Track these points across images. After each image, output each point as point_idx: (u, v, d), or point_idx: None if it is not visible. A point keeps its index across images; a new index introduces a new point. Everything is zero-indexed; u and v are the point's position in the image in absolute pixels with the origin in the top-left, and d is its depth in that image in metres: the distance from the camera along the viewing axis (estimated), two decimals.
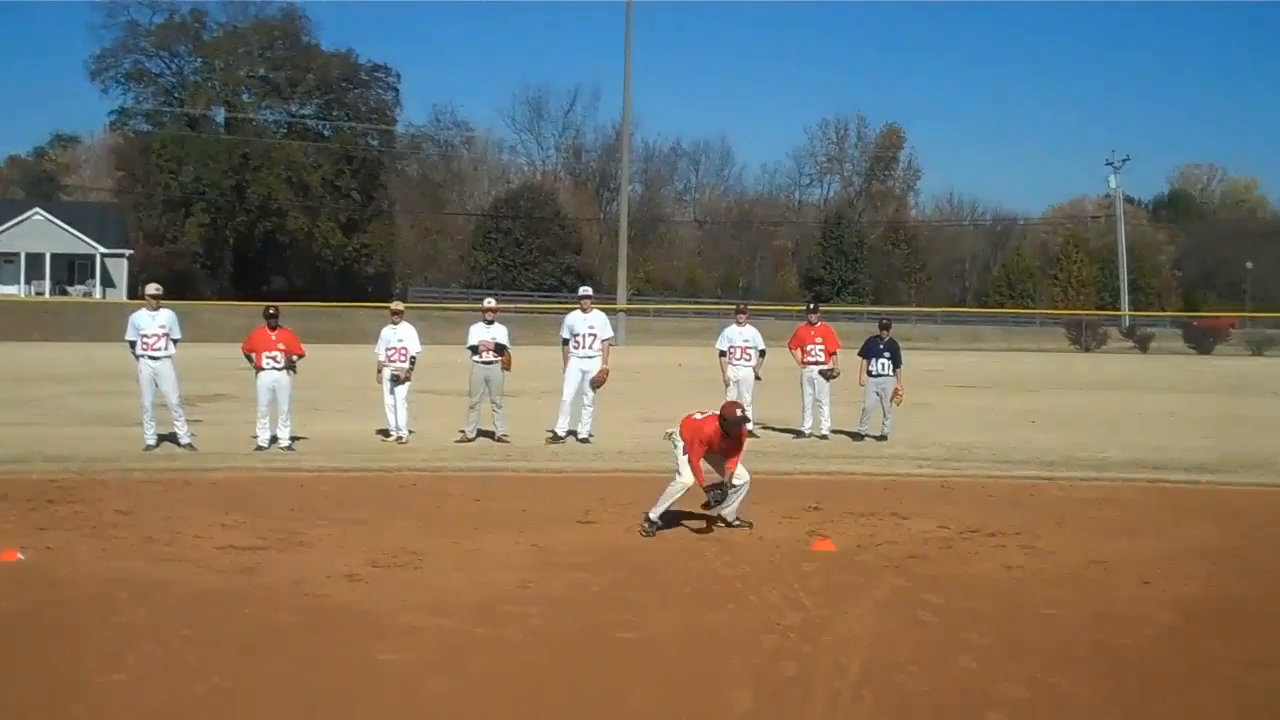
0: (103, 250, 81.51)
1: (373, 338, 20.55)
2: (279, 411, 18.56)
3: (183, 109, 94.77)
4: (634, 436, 20.27)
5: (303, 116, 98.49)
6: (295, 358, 18.78)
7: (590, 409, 19.85)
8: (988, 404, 29.17)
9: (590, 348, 19.87)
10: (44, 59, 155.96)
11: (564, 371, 20.00)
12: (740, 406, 13.05)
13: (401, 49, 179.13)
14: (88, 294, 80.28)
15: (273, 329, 18.74)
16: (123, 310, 20.23)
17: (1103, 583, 10.63)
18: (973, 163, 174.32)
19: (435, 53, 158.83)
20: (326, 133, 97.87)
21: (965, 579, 10.66)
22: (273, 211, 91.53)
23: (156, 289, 18.84)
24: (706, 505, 12.69)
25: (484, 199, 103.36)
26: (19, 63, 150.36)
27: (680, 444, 12.56)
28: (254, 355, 18.69)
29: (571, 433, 19.84)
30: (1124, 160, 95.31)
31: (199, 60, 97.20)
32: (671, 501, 12.55)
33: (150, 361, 18.18)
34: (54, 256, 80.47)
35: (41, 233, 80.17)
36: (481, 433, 19.84)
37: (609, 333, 20.42)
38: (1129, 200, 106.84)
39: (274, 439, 18.57)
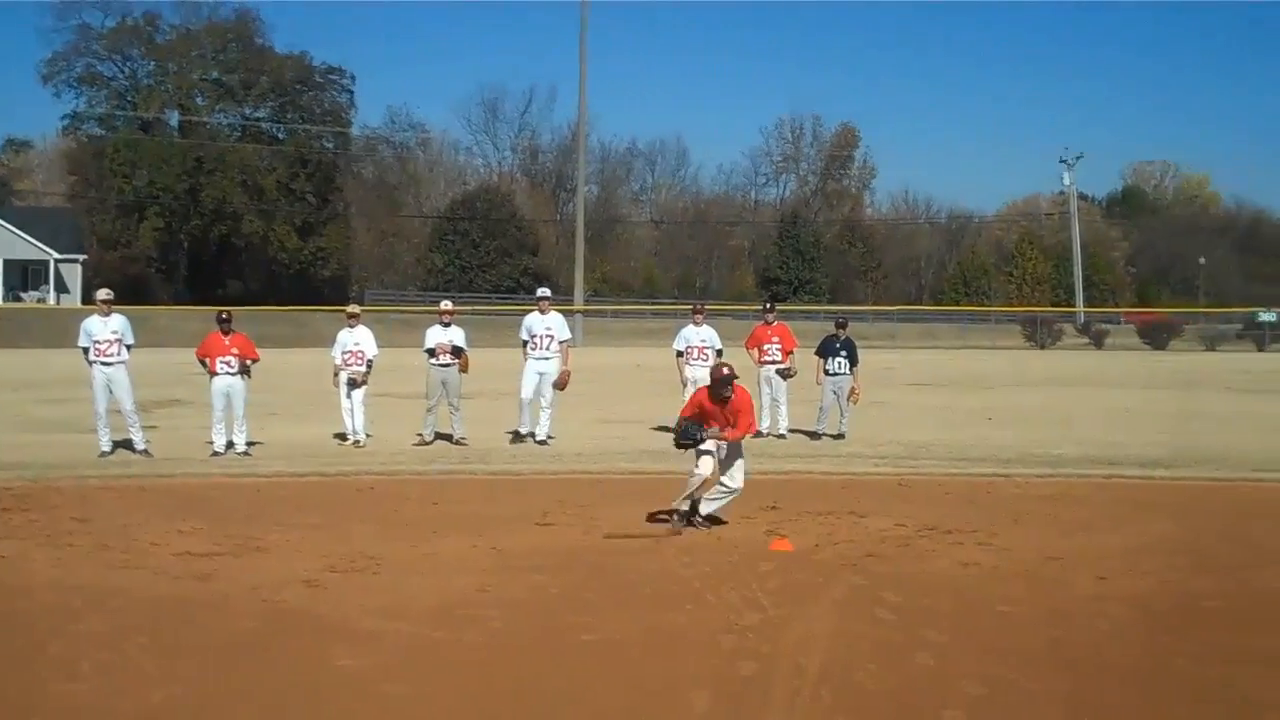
0: (56, 255, 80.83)
1: (329, 341, 20.51)
2: (234, 416, 18.49)
3: (136, 113, 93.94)
4: (592, 438, 20.28)
5: (257, 119, 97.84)
6: (249, 362, 18.72)
7: (548, 411, 19.83)
8: (944, 402, 29.31)
9: (548, 349, 19.85)
10: None
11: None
12: (728, 365, 13.07)
13: (356, 51, 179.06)
14: (42, 300, 79.58)
15: (226, 334, 18.67)
16: (77, 316, 20.06)
17: (1059, 579, 10.69)
18: (927, 161, 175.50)
19: (390, 54, 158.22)
20: (281, 136, 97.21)
21: (923, 577, 10.70)
22: (227, 215, 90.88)
23: (107, 294, 18.71)
24: (679, 441, 12.80)
25: (440, 201, 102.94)
26: None
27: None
28: (208, 360, 18.62)
29: (531, 433, 19.83)
30: (1077, 157, 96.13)
31: (152, 63, 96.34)
32: (691, 491, 12.62)
33: (103, 367, 18.06)
34: (7, 262, 79.74)
35: None
36: (439, 435, 19.80)
37: (567, 334, 20.42)
38: (1083, 197, 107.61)
39: (230, 444, 18.50)
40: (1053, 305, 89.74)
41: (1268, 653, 8.56)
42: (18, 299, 79.04)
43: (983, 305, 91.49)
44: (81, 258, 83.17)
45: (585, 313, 68.76)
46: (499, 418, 21.21)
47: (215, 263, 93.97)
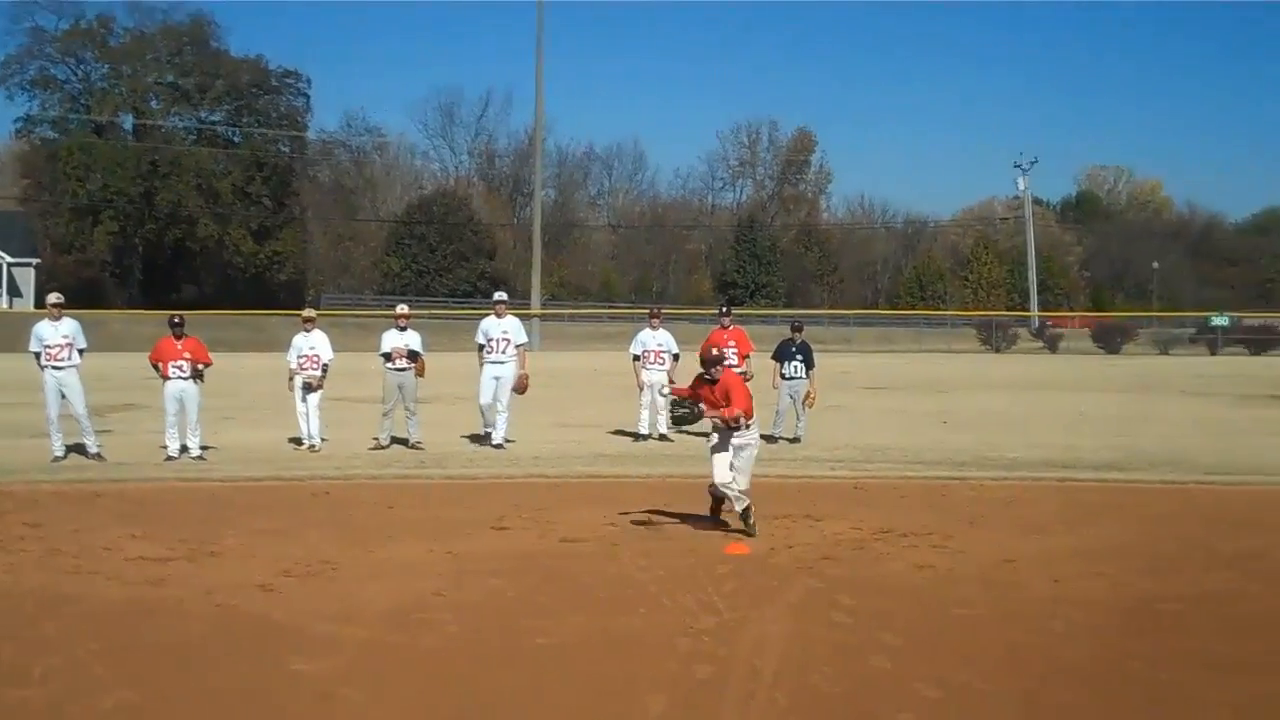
0: (9, 259, 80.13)
1: (285, 345, 20.40)
2: (187, 421, 18.40)
3: (90, 116, 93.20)
4: (549, 442, 20.26)
5: (212, 123, 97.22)
6: (202, 366, 18.62)
7: (504, 415, 19.78)
8: (900, 405, 29.41)
9: (504, 353, 19.80)
10: None
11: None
12: (716, 346, 13.13)
13: (312, 54, 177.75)
14: None
15: (178, 338, 18.58)
16: (30, 320, 19.93)
17: (1014, 582, 10.74)
18: (883, 166, 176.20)
19: (346, 58, 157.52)
20: (237, 139, 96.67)
21: (878, 580, 10.73)
22: (182, 219, 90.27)
23: (58, 298, 18.57)
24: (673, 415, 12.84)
25: (397, 205, 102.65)
26: None
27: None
28: (160, 365, 18.51)
29: (488, 433, 19.80)
30: (1032, 162, 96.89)
31: (106, 66, 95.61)
32: (737, 494, 12.59)
33: (55, 372, 17.93)
34: None
35: None
36: (395, 440, 19.73)
37: (523, 338, 20.38)
38: (1037, 202, 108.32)
39: (184, 449, 18.39)
40: (1008, 309, 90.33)
41: (1221, 655, 8.61)
42: None
43: (938, 309, 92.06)
44: (35, 261, 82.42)
45: (542, 317, 68.77)
46: (455, 422, 21.16)
47: (170, 267, 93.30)
